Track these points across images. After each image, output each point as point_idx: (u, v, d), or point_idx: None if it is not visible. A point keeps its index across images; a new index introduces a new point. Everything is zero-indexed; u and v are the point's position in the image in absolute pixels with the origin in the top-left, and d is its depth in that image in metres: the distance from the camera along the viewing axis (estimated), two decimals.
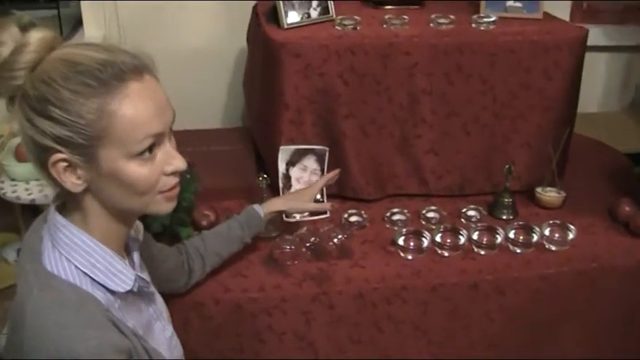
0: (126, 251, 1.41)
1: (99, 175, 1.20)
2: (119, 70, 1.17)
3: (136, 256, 1.44)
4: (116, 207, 1.27)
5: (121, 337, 1.22)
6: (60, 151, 1.17)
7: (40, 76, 1.16)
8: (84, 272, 1.24)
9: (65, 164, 1.18)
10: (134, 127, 1.17)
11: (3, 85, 1.17)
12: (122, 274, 1.28)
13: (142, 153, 1.19)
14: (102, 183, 1.22)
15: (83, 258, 1.24)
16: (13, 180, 2.58)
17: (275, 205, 2.00)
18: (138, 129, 1.18)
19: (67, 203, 1.29)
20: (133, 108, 1.17)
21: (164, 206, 1.30)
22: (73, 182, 1.20)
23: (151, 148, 1.21)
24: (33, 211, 2.73)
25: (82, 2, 2.90)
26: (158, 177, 1.24)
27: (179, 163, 1.26)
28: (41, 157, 1.20)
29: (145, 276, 1.45)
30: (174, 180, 1.28)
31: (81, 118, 1.14)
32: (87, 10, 2.92)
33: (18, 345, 1.17)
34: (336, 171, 2.13)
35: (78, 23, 3.05)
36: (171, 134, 1.28)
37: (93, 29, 2.90)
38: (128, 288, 1.29)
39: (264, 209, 1.96)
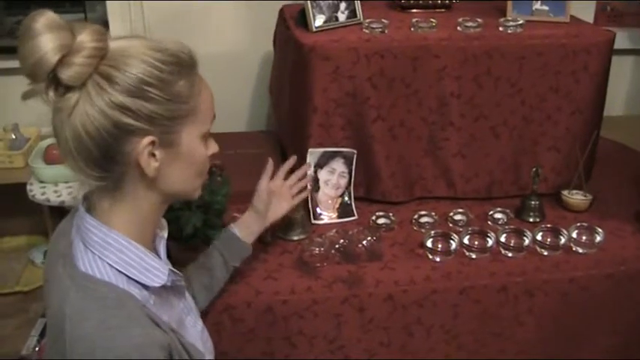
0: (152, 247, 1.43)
1: (176, 156, 1.27)
2: (191, 56, 1.27)
3: (162, 251, 1.46)
4: (168, 190, 1.31)
5: (162, 333, 1.23)
6: (150, 132, 1.20)
7: (128, 60, 1.18)
8: (118, 270, 1.26)
9: (151, 147, 1.22)
10: (210, 106, 1.32)
11: (72, 71, 1.15)
12: (156, 269, 1.31)
13: (207, 133, 1.31)
14: (173, 165, 1.27)
15: (116, 256, 1.26)
16: (41, 182, 2.61)
17: (249, 223, 1.87)
18: (211, 109, 1.32)
19: (96, 203, 1.30)
20: (208, 89, 1.31)
21: (199, 191, 1.40)
22: (153, 165, 1.24)
23: None
24: (61, 213, 2.76)
25: (108, 6, 2.93)
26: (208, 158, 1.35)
27: (215, 145, 1.38)
28: (119, 142, 1.19)
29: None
30: (208, 165, 1.37)
31: (178, 96, 1.22)
32: (113, 14, 2.94)
33: (61, 351, 1.18)
34: (269, 165, 1.96)
35: (104, 26, 3.07)
36: None
37: (119, 33, 2.92)
38: (163, 282, 1.31)
39: (239, 227, 1.84)
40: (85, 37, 1.15)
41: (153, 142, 1.21)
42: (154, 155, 1.23)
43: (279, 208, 1.95)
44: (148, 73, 1.18)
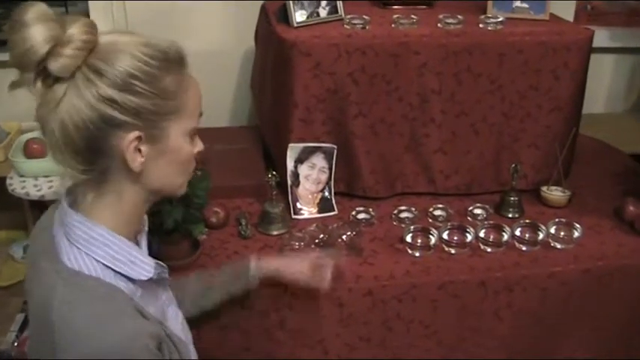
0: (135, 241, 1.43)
1: (161, 152, 1.26)
2: (180, 54, 1.27)
3: (143, 245, 1.46)
4: (154, 187, 1.31)
5: (150, 323, 1.24)
6: (137, 127, 1.20)
7: (117, 54, 1.18)
8: (105, 265, 1.25)
9: (137, 142, 1.22)
10: (197, 104, 1.31)
11: (61, 62, 1.15)
12: (142, 263, 1.31)
13: (194, 130, 1.30)
14: (159, 161, 1.27)
15: (103, 251, 1.25)
16: (22, 176, 2.60)
17: (271, 263, 1.86)
18: (198, 107, 1.31)
19: (80, 197, 1.29)
20: (196, 87, 1.30)
21: (184, 189, 1.39)
22: (139, 161, 1.24)
23: None
24: (41, 207, 2.75)
25: (90, 4, 2.91)
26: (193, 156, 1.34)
27: (202, 144, 1.37)
28: (105, 135, 1.20)
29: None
30: (195, 162, 1.37)
31: (165, 91, 1.22)
32: (95, 10, 2.93)
33: (48, 346, 1.17)
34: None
35: None
36: None
37: (101, 29, 2.90)
38: (150, 275, 1.31)
39: (258, 265, 1.83)
40: (75, 30, 1.15)
41: (139, 137, 1.21)
42: (139, 150, 1.23)
43: (298, 268, 1.87)
44: (137, 67, 1.18)
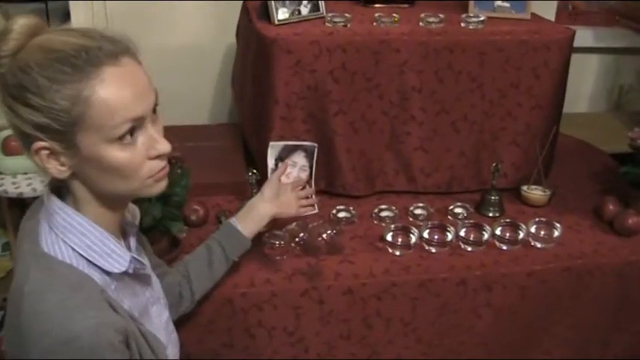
0: (122, 235, 1.43)
1: (81, 161, 1.21)
2: (94, 55, 1.16)
3: (132, 239, 1.45)
4: (103, 191, 1.27)
5: (118, 317, 1.23)
6: (40, 139, 1.18)
7: (19, 63, 1.16)
8: (80, 254, 1.25)
9: (47, 151, 1.20)
10: (111, 111, 1.16)
11: None
12: (117, 255, 1.30)
13: (121, 137, 1.19)
14: (86, 168, 1.23)
15: (79, 239, 1.26)
16: (0, 174, 2.57)
17: (253, 206, 1.92)
18: (115, 114, 1.17)
19: (63, 187, 1.31)
20: (109, 93, 1.16)
21: (155, 188, 1.30)
22: (57, 169, 1.22)
23: (131, 132, 1.21)
24: (20, 205, 2.73)
25: (70, 1, 2.89)
26: (142, 161, 1.24)
27: (163, 146, 1.26)
28: (26, 144, 1.21)
29: (143, 259, 1.47)
30: (161, 164, 1.28)
31: (56, 104, 1.15)
32: (75, 7, 2.91)
33: (16, 327, 1.18)
34: (285, 165, 2.15)
35: (66, 18, 3.03)
36: (155, 117, 1.28)
37: (81, 24, 2.88)
38: (123, 269, 1.30)
39: (241, 220, 1.87)
40: (7, 36, 1.18)
41: (45, 148, 1.19)
42: (57, 160, 1.21)
43: (288, 207, 2.02)
44: (28, 78, 1.15)
